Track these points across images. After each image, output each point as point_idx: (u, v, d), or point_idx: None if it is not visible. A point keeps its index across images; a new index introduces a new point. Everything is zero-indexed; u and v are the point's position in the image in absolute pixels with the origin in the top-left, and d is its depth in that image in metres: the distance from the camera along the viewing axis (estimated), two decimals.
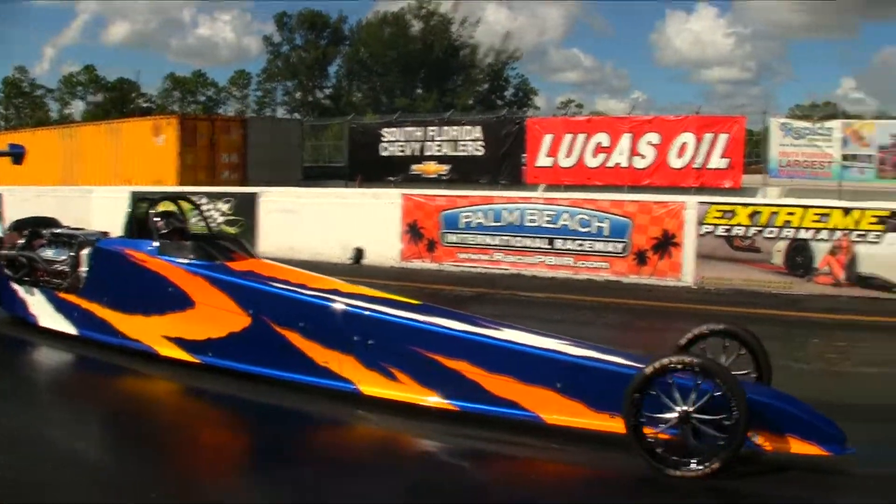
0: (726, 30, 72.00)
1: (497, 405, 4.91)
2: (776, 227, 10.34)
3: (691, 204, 11.04)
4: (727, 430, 4.13)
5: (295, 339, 5.66)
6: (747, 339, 4.92)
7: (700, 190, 16.49)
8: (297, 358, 5.63)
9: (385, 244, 13.38)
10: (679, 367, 4.26)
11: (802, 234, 10.20)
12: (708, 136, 17.51)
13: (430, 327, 5.24)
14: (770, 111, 18.78)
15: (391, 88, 48.28)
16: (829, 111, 20.67)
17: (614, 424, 4.48)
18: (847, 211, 9.94)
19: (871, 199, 11.33)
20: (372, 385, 5.35)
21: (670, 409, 4.28)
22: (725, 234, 10.64)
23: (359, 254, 13.65)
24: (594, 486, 4.40)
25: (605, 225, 11.41)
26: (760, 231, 10.44)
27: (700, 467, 4.14)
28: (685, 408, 4.24)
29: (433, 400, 5.12)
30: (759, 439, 4.29)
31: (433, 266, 12.85)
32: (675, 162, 17.82)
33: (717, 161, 17.47)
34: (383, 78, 49.10)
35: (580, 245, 11.65)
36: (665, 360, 4.28)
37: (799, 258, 10.24)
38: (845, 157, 17.16)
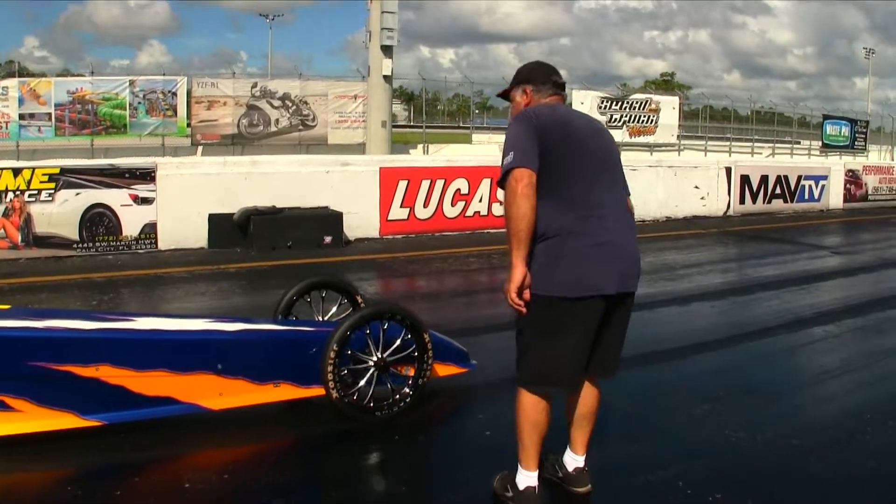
0: None
1: (150, 406, 4.10)
2: None
3: None
4: (415, 362, 4.46)
5: None
6: (344, 286, 5.32)
7: None
8: None
9: None
10: (373, 318, 4.36)
11: None
12: None
13: (56, 334, 4.07)
14: None
15: None
16: (10, 70, 20.04)
17: (280, 392, 4.34)
18: (17, 171, 9.62)
19: (50, 157, 11.39)
20: None
21: (364, 361, 4.35)
22: None
23: None
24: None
25: None
26: None
27: (402, 403, 4.37)
28: (379, 355, 4.36)
29: (68, 422, 3.94)
30: (408, 370, 4.51)
31: None
32: None
33: None
34: None
35: None
36: (366, 313, 4.38)
37: None
38: (22, 117, 16.94)
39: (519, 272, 3.00)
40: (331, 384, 4.20)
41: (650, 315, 7.19)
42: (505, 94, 3.60)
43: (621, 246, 3.18)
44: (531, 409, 3.20)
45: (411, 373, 4.49)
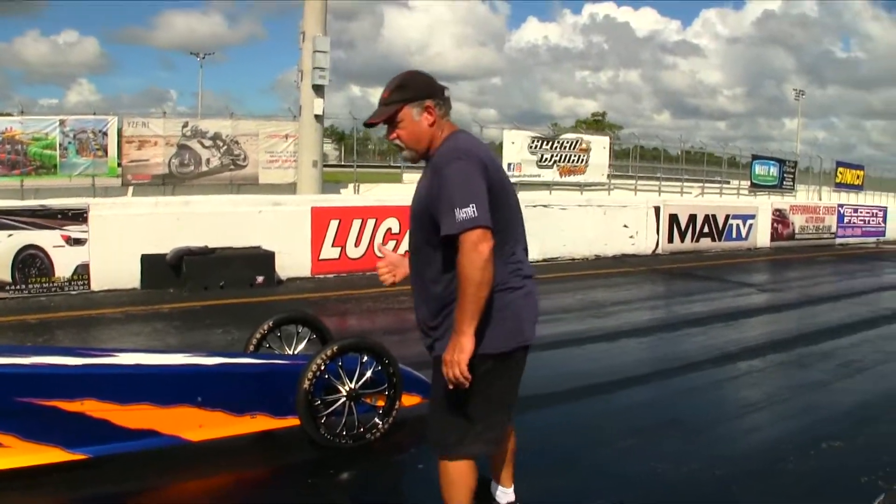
0: None
1: (133, 439, 4.18)
2: None
3: None
4: (387, 396, 4.62)
5: None
6: (313, 321, 5.34)
7: None
8: None
9: None
10: (346, 351, 4.51)
11: None
12: None
13: (42, 370, 4.14)
14: None
15: None
16: None
17: (256, 423, 4.46)
18: None
19: None
20: None
21: (337, 391, 4.49)
22: None
23: None
24: None
25: None
26: None
27: (374, 431, 4.54)
28: (351, 385, 4.52)
29: (54, 456, 4.02)
30: (377, 401, 4.66)
31: None
32: None
33: None
34: None
35: None
36: (335, 346, 4.48)
37: None
38: None
39: (472, 342, 2.74)
40: (305, 414, 4.35)
41: (579, 351, 7.29)
42: (391, 118, 2.95)
43: (537, 295, 3.08)
44: (468, 474, 3.04)
45: (380, 403, 4.65)
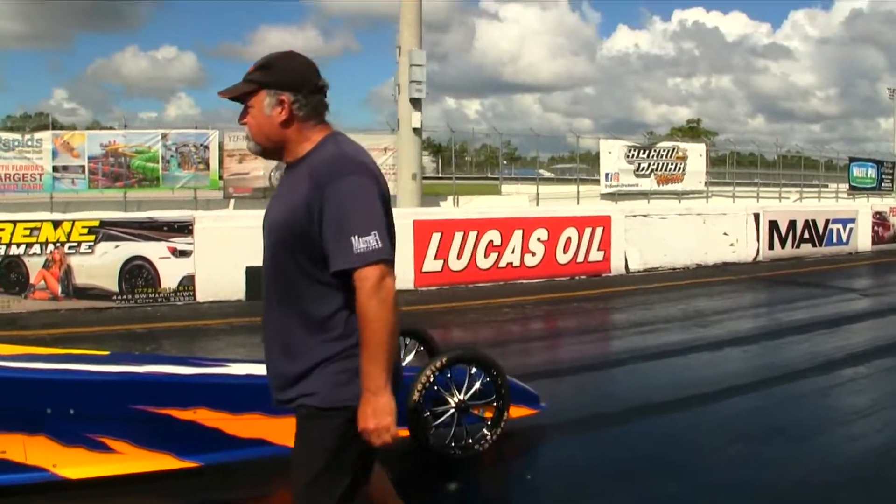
0: None
1: (244, 448, 4.25)
2: None
3: None
4: (495, 407, 4.59)
5: None
6: (421, 333, 5.21)
7: None
8: None
9: None
10: (456, 362, 4.52)
11: (14, 251, 9.75)
12: None
13: (157, 378, 4.26)
14: None
15: None
16: (41, 122, 20.43)
17: None
18: (57, 223, 9.90)
19: (83, 209, 11.60)
20: (76, 465, 4.02)
21: (445, 402, 4.51)
22: None
23: None
24: None
25: None
26: None
27: (483, 442, 4.55)
28: (460, 397, 4.53)
29: (166, 463, 4.12)
30: (485, 412, 4.68)
31: None
32: None
33: None
34: None
35: None
36: (445, 358, 4.47)
37: (13, 275, 9.78)
38: (56, 169, 17.27)
39: (393, 400, 2.31)
40: (414, 425, 4.36)
41: (684, 360, 7.42)
42: (238, 98, 2.43)
43: None
44: None
45: (488, 414, 4.67)
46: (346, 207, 2.23)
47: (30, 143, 17.33)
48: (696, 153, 26.19)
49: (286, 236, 2.34)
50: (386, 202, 2.36)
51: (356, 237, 2.20)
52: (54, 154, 17.37)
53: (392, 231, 2.36)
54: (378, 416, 2.25)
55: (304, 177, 2.31)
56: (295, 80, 2.37)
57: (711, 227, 15.87)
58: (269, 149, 2.45)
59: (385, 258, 2.23)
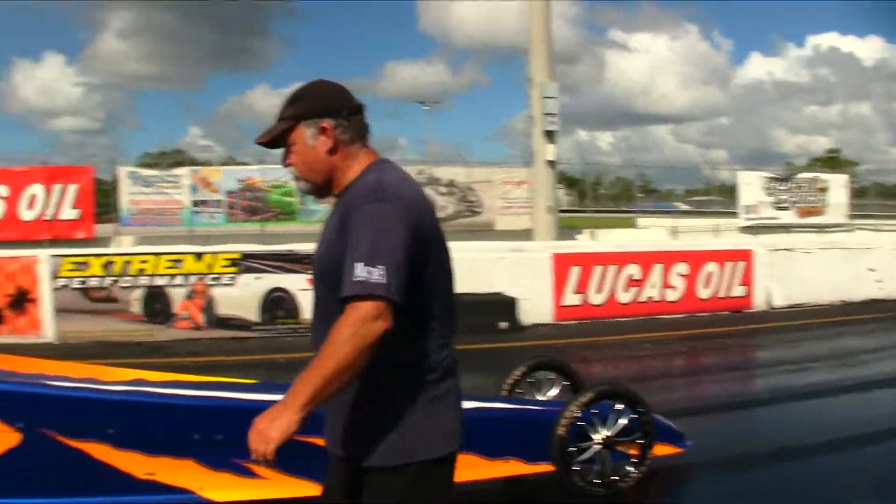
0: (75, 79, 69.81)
1: None
2: (131, 275, 10.29)
3: (44, 257, 10.43)
4: (640, 444, 4.58)
5: (99, 451, 4.07)
6: (565, 368, 5.31)
7: (54, 242, 15.22)
8: (105, 476, 4.06)
9: None
10: (602, 398, 4.53)
11: (158, 281, 10.33)
12: (58, 187, 16.86)
13: None
14: (119, 160, 18.97)
15: None
16: (178, 159, 21.63)
17: (508, 468, 4.46)
18: (199, 255, 10.34)
19: (222, 242, 12.13)
20: (221, 489, 4.19)
21: (590, 438, 4.52)
22: (81, 286, 10.26)
23: None
24: None
25: None
26: (116, 281, 10.30)
27: (627, 480, 4.55)
28: (606, 433, 4.55)
29: (309, 490, 4.03)
30: (630, 449, 4.66)
31: None
32: (26, 214, 16.85)
33: (68, 212, 16.91)
34: None
35: None
36: (591, 393, 4.52)
37: (157, 305, 10.32)
38: (195, 203, 18.05)
39: (298, 424, 2.04)
40: (559, 461, 4.40)
41: (832, 401, 7.31)
42: (276, 139, 2.30)
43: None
44: None
45: (632, 451, 4.63)
46: (360, 233, 2.05)
47: (168, 178, 18.11)
48: (837, 184, 25.29)
49: (325, 269, 2.21)
50: (430, 233, 2.19)
51: (361, 264, 2.00)
52: (193, 189, 18.09)
53: (434, 268, 2.19)
54: (273, 422, 2.02)
55: (342, 206, 2.21)
56: (331, 104, 2.25)
57: (856, 262, 15.35)
58: (320, 184, 2.31)
59: (384, 296, 1.99)
